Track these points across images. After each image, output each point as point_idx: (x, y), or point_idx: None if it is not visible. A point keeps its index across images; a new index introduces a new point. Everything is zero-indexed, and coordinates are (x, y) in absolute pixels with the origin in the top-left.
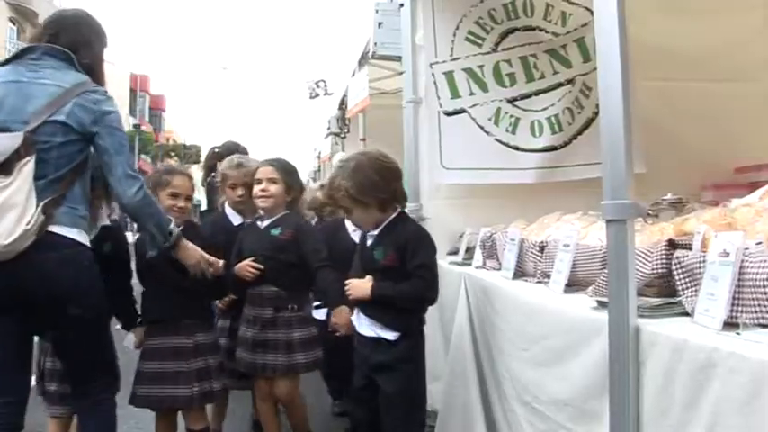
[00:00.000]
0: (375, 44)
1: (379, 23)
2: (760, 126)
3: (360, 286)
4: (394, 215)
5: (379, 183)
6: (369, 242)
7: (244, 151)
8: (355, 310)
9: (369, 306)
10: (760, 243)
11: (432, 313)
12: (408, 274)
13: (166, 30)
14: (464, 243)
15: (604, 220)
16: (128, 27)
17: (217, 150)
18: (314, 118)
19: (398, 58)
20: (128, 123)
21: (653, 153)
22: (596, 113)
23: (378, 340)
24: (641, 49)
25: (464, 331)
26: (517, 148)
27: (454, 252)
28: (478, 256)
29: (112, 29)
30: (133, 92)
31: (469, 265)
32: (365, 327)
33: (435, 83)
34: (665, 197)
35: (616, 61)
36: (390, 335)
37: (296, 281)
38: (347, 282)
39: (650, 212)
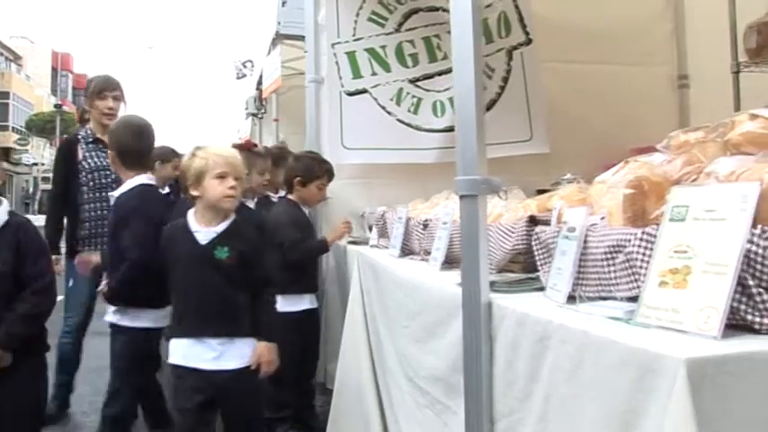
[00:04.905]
0: (279, 23)
1: (283, 2)
2: (659, 108)
3: None
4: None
5: None
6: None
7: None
8: None
9: None
10: (604, 218)
11: (334, 294)
12: None
13: (90, 6)
14: (365, 223)
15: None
16: (49, 2)
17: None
18: (238, 98)
19: (302, 38)
20: (49, 103)
21: (557, 134)
22: (499, 94)
23: None
24: (548, 31)
25: (356, 309)
26: (419, 128)
27: None
28: (374, 234)
29: (33, 4)
30: (55, 70)
31: (366, 243)
32: None
33: (337, 63)
34: (564, 177)
35: (468, 35)
36: None
37: None
38: None
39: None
